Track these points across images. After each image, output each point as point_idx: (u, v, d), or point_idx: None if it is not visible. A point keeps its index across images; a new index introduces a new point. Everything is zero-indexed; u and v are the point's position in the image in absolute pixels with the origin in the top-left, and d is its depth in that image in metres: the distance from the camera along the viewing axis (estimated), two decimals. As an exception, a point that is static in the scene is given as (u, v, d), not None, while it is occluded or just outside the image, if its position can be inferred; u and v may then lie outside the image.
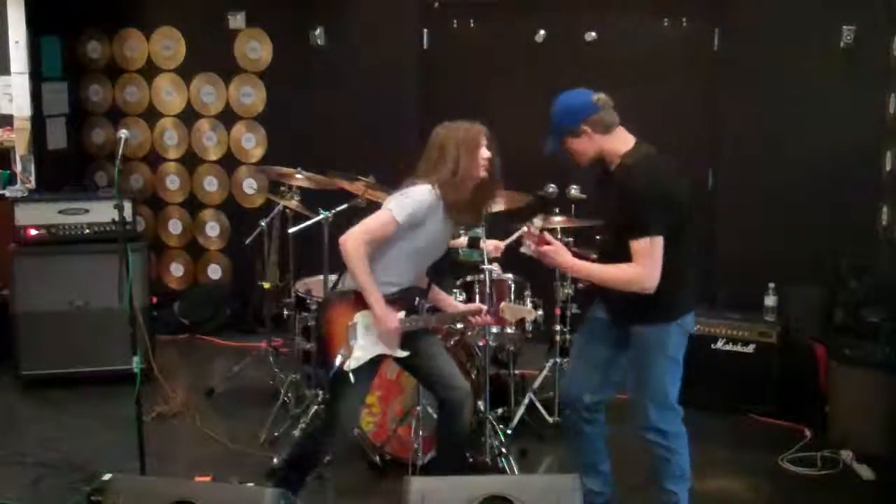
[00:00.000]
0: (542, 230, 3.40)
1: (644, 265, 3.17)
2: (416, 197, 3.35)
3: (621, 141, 3.29)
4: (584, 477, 3.58)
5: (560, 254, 3.32)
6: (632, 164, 3.23)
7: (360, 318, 3.42)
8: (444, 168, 3.36)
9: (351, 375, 3.36)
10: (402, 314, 3.44)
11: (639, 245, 3.16)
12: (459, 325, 4.27)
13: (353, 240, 3.31)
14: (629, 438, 3.58)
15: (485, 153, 3.40)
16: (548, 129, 3.36)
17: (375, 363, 3.52)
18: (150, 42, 6.57)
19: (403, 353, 3.50)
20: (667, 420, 3.41)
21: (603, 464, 3.69)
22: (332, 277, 4.12)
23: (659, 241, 3.17)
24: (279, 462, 4.05)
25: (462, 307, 3.72)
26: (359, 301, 3.41)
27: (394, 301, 3.44)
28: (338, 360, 3.36)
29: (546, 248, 3.32)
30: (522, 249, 3.40)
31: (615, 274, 3.25)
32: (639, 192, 3.17)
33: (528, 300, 4.41)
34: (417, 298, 3.54)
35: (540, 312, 4.41)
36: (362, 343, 3.42)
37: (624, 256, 3.22)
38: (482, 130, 3.43)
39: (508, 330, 4.32)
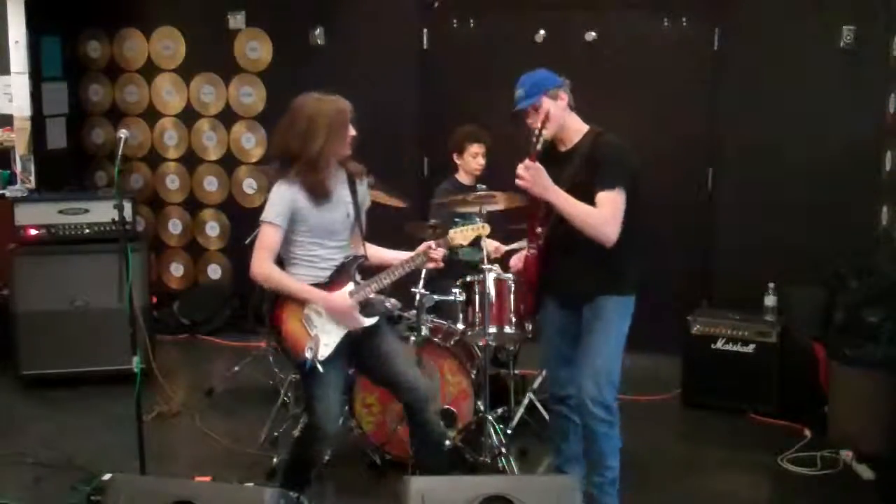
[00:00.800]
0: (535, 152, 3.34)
1: (607, 213, 3.29)
2: (274, 199, 3.40)
3: (580, 122, 3.49)
4: (566, 468, 3.70)
5: (542, 174, 3.31)
6: (601, 132, 3.42)
7: (309, 308, 3.43)
8: (311, 144, 3.33)
9: (319, 366, 3.35)
10: (349, 286, 3.43)
11: (606, 196, 3.29)
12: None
13: (257, 267, 3.42)
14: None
15: (351, 131, 3.41)
16: (521, 94, 3.46)
17: (346, 354, 3.48)
18: (150, 42, 6.57)
19: (371, 321, 3.45)
20: (609, 395, 3.42)
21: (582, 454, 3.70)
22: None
23: (623, 196, 3.30)
24: (279, 464, 4.04)
25: (408, 254, 3.59)
26: None
27: (335, 281, 3.44)
28: (308, 354, 3.34)
29: (531, 163, 3.30)
30: (529, 121, 3.38)
31: (586, 210, 3.31)
32: (611, 150, 3.35)
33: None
34: (356, 266, 3.50)
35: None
36: (325, 329, 3.41)
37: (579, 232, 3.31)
38: (349, 107, 3.42)
39: (508, 330, 4.31)
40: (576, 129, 3.47)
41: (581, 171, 3.36)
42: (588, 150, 3.39)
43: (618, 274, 3.41)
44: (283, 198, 3.38)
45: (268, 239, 3.40)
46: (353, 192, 3.53)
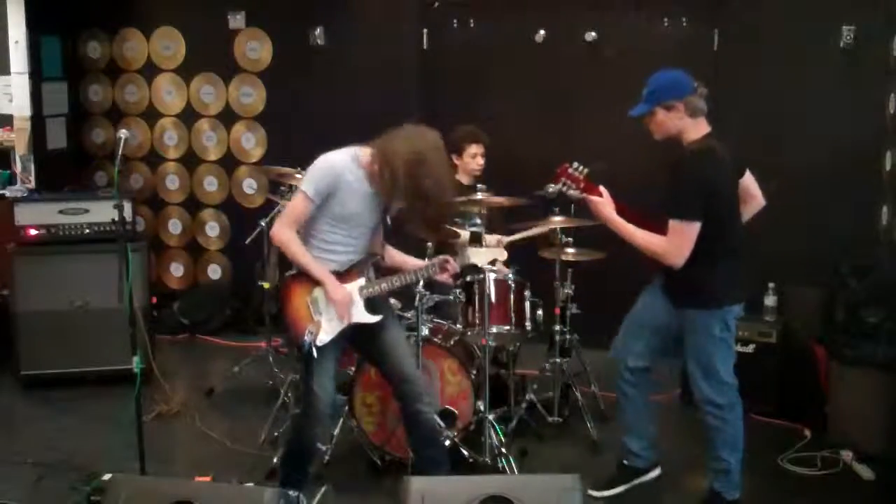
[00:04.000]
0: (588, 176, 3.51)
1: (672, 242, 3.40)
2: (320, 165, 3.41)
3: (698, 129, 3.52)
4: (625, 436, 3.93)
5: (606, 205, 3.53)
6: (692, 150, 3.47)
7: (318, 291, 3.45)
8: (411, 171, 3.32)
9: (315, 351, 3.37)
10: (361, 281, 3.47)
11: (673, 224, 3.39)
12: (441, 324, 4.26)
13: (278, 229, 3.42)
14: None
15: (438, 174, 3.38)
16: (642, 95, 3.56)
17: (341, 340, 3.51)
18: (150, 42, 6.57)
19: (375, 318, 3.49)
20: (720, 393, 3.63)
21: (646, 427, 3.96)
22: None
23: (692, 226, 3.38)
24: (277, 462, 4.05)
25: (423, 262, 3.65)
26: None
27: (348, 272, 3.47)
28: (307, 338, 3.37)
29: (595, 197, 3.50)
30: (550, 188, 3.53)
31: (647, 240, 3.47)
32: (685, 176, 3.41)
33: (528, 300, 4.41)
34: (372, 264, 3.53)
35: (539, 313, 4.43)
36: (328, 316, 3.45)
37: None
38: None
39: (508, 329, 4.30)
40: (689, 135, 3.51)
41: (668, 191, 3.47)
42: (675, 167, 3.47)
43: (698, 291, 3.52)
44: (329, 167, 3.38)
45: (297, 208, 3.40)
46: None
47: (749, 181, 3.68)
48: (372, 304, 3.52)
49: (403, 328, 3.80)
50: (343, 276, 3.48)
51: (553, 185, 3.51)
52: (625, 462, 3.98)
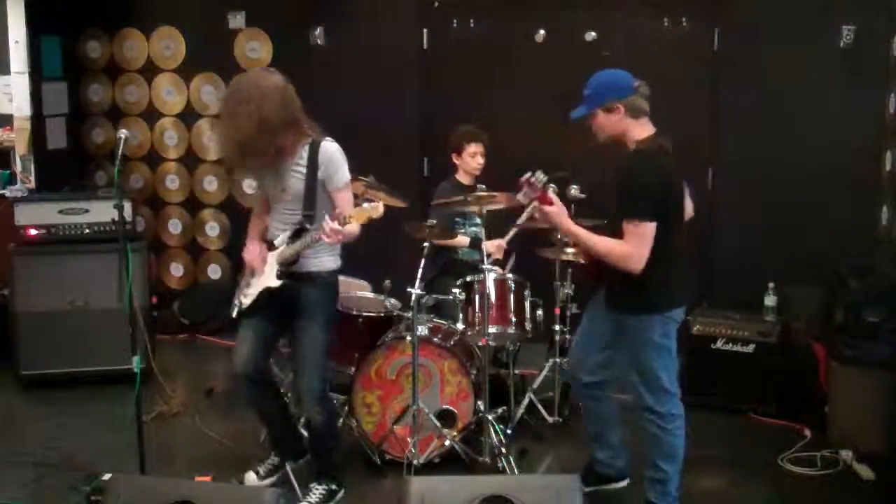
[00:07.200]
0: (546, 186, 3.48)
1: (632, 245, 3.32)
2: None
3: (642, 129, 3.46)
4: (592, 444, 3.89)
5: (562, 215, 3.47)
6: (641, 150, 3.41)
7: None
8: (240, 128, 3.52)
9: (234, 312, 3.76)
10: (281, 247, 3.60)
11: (629, 226, 3.32)
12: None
13: None
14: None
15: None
16: (581, 96, 3.52)
17: (267, 312, 3.68)
18: (150, 42, 6.57)
19: (277, 283, 3.58)
20: (661, 402, 3.55)
21: (612, 436, 3.87)
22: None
23: (649, 227, 3.31)
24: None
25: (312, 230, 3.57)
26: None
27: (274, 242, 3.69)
28: (237, 300, 3.75)
29: (549, 207, 3.46)
30: (519, 197, 3.53)
31: (606, 246, 3.39)
32: (638, 177, 3.34)
33: (528, 300, 4.41)
34: (300, 228, 3.59)
35: (539, 313, 4.43)
36: (252, 282, 3.72)
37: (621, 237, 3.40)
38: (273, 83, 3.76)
39: (508, 330, 4.30)
40: (632, 138, 3.45)
41: (616, 193, 3.41)
42: (623, 168, 3.42)
43: (639, 295, 3.44)
44: None
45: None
46: (312, 163, 3.55)
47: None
48: (281, 273, 3.59)
49: (321, 325, 3.71)
50: (272, 245, 3.68)
51: (521, 194, 3.50)
52: (595, 468, 3.92)
